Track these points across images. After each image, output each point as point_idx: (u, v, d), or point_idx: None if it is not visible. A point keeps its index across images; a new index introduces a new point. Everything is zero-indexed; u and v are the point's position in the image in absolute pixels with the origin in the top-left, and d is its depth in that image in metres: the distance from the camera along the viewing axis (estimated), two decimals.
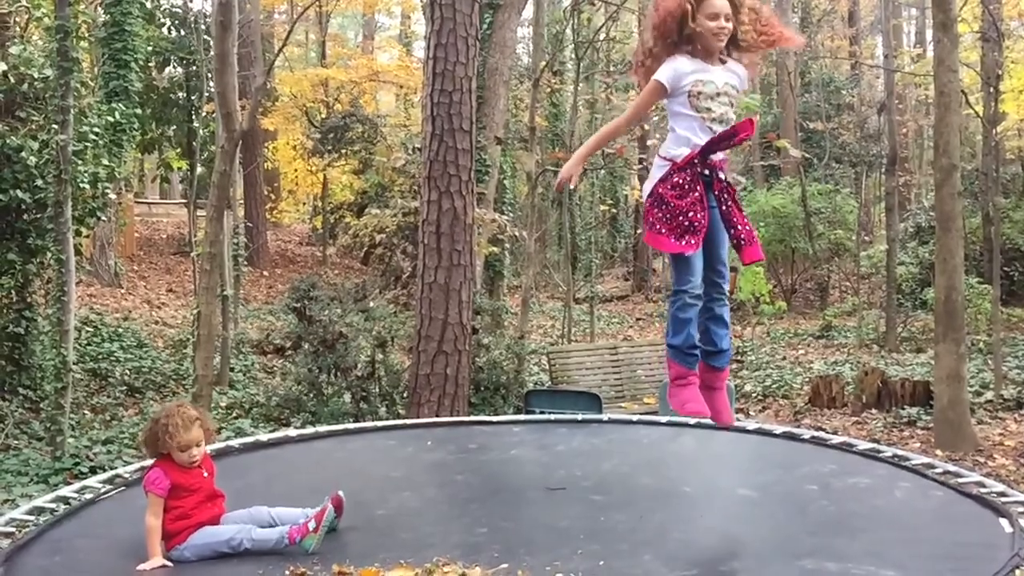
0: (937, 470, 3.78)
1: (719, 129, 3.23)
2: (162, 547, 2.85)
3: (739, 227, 3.33)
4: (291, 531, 2.89)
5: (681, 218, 3.19)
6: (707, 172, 3.25)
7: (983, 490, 3.44)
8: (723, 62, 3.30)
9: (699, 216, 3.19)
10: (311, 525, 2.88)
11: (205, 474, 3.00)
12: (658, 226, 3.23)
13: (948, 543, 2.96)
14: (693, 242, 3.19)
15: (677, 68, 3.23)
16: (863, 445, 4.27)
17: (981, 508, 3.25)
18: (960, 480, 3.60)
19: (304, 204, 25.94)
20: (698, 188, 3.21)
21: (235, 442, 4.56)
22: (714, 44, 3.24)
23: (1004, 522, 3.05)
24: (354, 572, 2.65)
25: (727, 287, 3.34)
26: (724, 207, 3.32)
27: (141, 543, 2.83)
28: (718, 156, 3.28)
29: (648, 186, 3.33)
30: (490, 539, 3.03)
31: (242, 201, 18.77)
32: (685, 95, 3.23)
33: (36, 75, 8.41)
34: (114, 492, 3.59)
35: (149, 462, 3.04)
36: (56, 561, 2.86)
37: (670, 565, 2.80)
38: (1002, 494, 3.38)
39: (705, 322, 3.37)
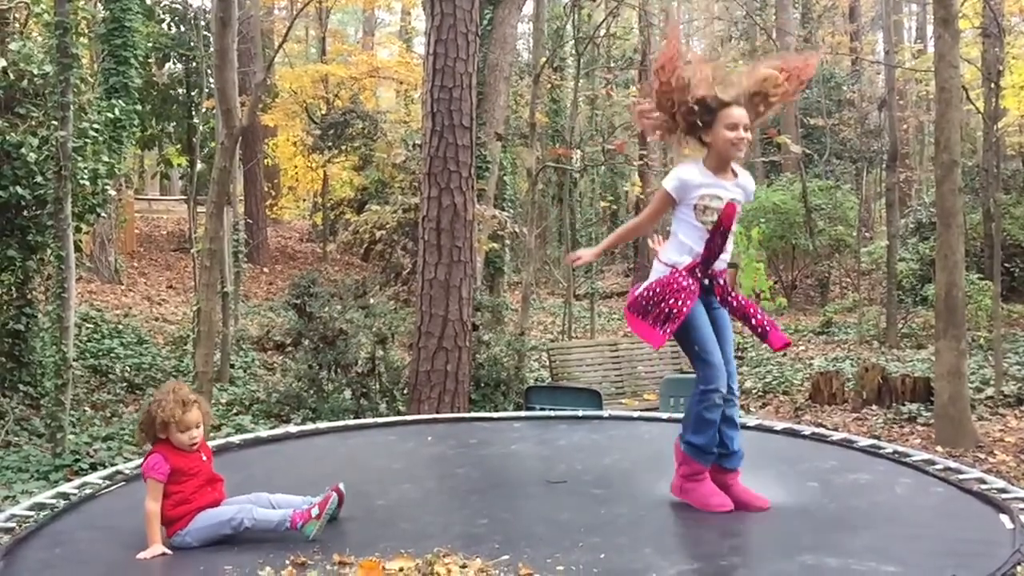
0: (938, 466, 3.77)
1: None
2: (163, 534, 2.84)
3: (756, 317, 3.32)
4: (294, 515, 2.89)
5: (663, 304, 3.17)
6: (707, 281, 3.25)
7: (983, 487, 3.44)
8: (735, 174, 3.29)
9: (680, 304, 3.15)
10: (314, 512, 2.89)
11: (204, 457, 3.00)
12: (640, 313, 3.23)
13: (949, 539, 2.95)
14: (668, 330, 3.17)
15: (686, 180, 3.21)
16: (863, 442, 4.26)
17: (982, 505, 3.24)
18: (961, 476, 3.60)
19: (304, 200, 25.95)
20: (690, 282, 3.20)
21: (236, 438, 4.56)
22: (731, 154, 3.22)
23: (1004, 518, 3.05)
24: (354, 561, 2.65)
25: (737, 387, 3.30)
26: (735, 303, 3.32)
27: (142, 534, 2.83)
28: (719, 266, 3.28)
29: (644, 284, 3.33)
30: (491, 531, 3.03)
31: (242, 197, 18.77)
32: (691, 207, 3.21)
33: (36, 71, 8.40)
34: (115, 488, 3.59)
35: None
36: (56, 553, 2.86)
37: (671, 559, 2.80)
38: (1002, 490, 3.38)
39: (728, 419, 3.31)
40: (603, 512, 3.27)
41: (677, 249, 3.26)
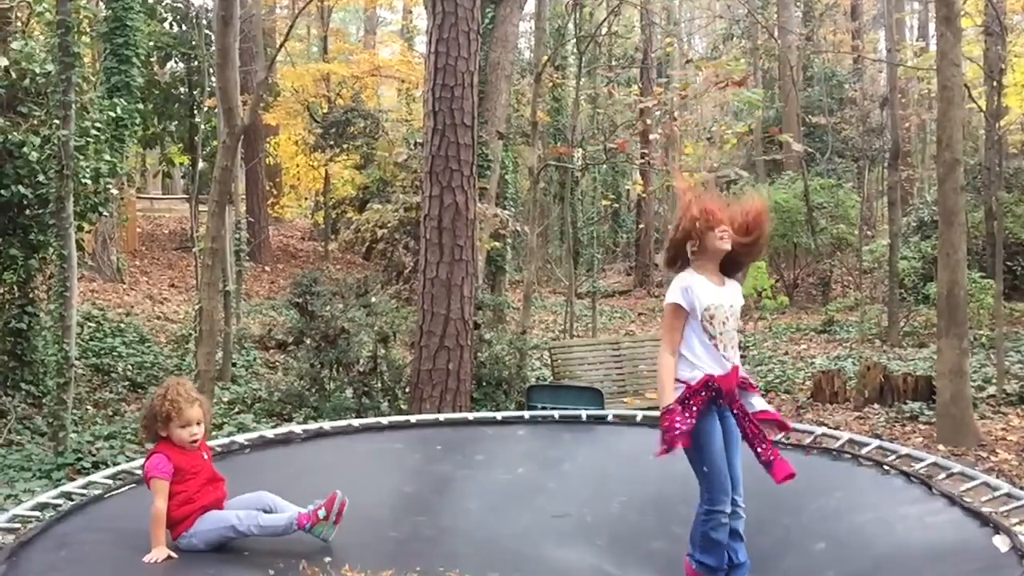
0: (941, 477, 3.72)
1: (729, 355, 3.34)
2: (167, 537, 2.83)
3: (762, 448, 3.33)
4: (300, 517, 2.89)
5: (668, 422, 3.20)
6: (721, 399, 3.28)
7: (985, 499, 3.40)
8: (722, 280, 3.39)
9: (679, 425, 3.17)
10: (321, 513, 2.88)
11: (205, 456, 2.99)
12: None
13: (957, 571, 2.92)
14: (665, 447, 3.19)
15: (689, 288, 3.29)
16: (869, 445, 4.21)
17: (982, 526, 3.19)
18: (964, 487, 3.55)
19: (306, 199, 25.96)
20: (696, 404, 3.22)
21: (240, 437, 4.55)
22: (720, 247, 3.32)
23: (1000, 539, 3.00)
24: None
25: (742, 498, 3.29)
26: (747, 431, 3.33)
27: (147, 536, 2.82)
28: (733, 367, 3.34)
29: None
30: (497, 550, 3.02)
31: (244, 196, 18.75)
32: (699, 320, 3.28)
33: (38, 70, 8.40)
34: (119, 487, 3.59)
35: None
36: (61, 556, 2.85)
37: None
38: (1009, 496, 3.36)
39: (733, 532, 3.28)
40: (609, 528, 3.26)
41: (688, 367, 3.29)
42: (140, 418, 3.03)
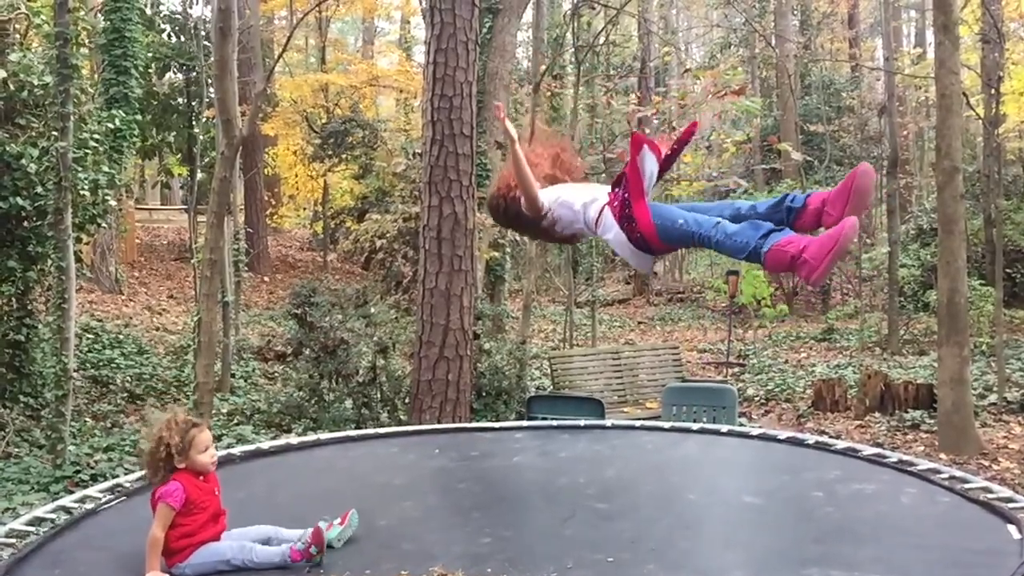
0: (943, 475, 3.74)
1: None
2: (162, 563, 2.80)
3: (671, 147, 3.58)
4: (293, 553, 2.85)
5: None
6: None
7: (990, 496, 3.41)
8: None
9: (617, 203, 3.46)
10: (313, 550, 2.85)
11: (216, 492, 2.96)
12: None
13: (955, 550, 2.93)
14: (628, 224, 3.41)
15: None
16: (868, 451, 4.23)
17: (988, 515, 3.21)
18: (967, 486, 3.57)
19: (305, 209, 25.96)
20: (620, 203, 3.48)
21: (237, 450, 4.53)
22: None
23: (1012, 529, 3.02)
24: None
25: (742, 204, 3.50)
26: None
27: (142, 556, 2.79)
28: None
29: (612, 232, 3.50)
30: (493, 549, 3.00)
31: (243, 207, 18.77)
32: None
33: (36, 82, 8.40)
34: (115, 502, 3.56)
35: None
36: (56, 574, 2.83)
37: (675, 574, 2.77)
38: (1009, 499, 3.36)
39: (773, 214, 3.41)
40: (606, 526, 3.25)
41: (592, 205, 3.60)
42: (146, 461, 2.97)
